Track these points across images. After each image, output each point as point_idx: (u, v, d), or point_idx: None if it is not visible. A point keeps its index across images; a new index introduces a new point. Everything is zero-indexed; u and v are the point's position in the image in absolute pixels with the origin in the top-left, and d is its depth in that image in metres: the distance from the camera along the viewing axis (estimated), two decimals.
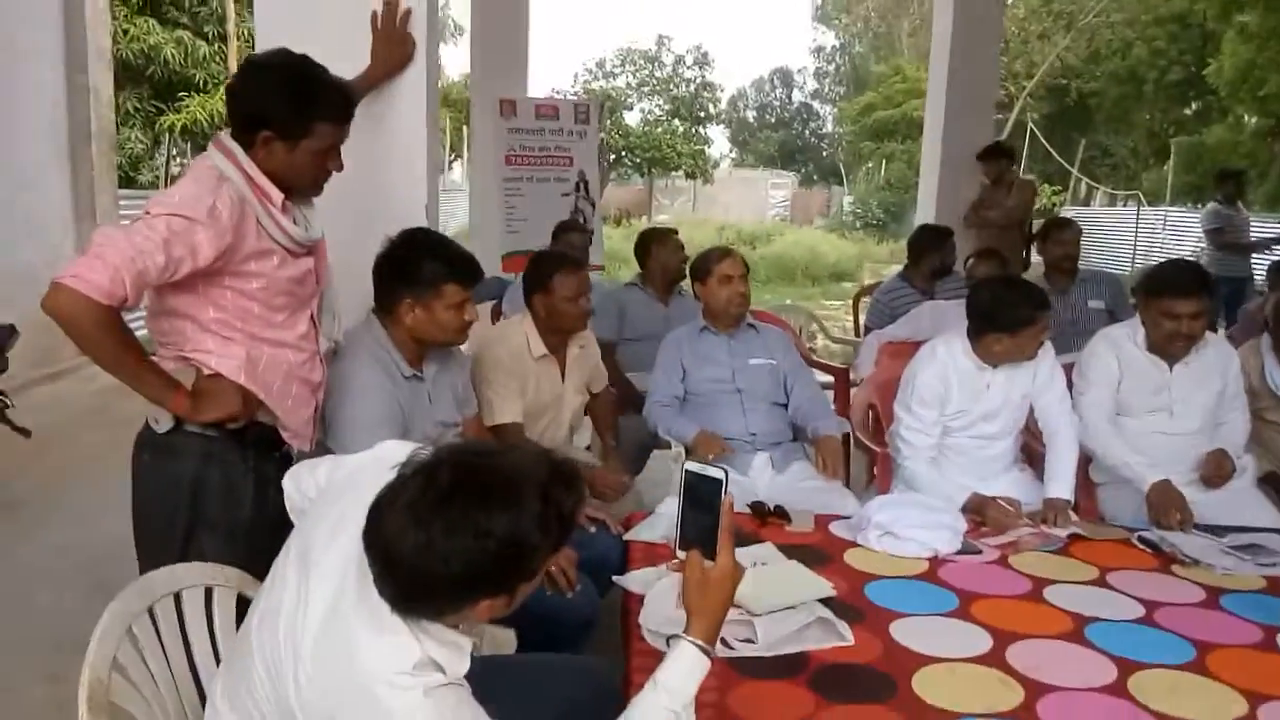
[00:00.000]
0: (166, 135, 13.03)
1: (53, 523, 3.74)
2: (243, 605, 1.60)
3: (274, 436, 2.06)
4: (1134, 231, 14.89)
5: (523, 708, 1.39)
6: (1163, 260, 2.97)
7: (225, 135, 1.94)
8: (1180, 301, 2.77)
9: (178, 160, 14.02)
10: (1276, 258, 6.24)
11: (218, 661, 1.57)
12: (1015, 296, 2.68)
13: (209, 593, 1.64)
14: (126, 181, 12.42)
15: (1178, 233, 14.31)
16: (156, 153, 13.67)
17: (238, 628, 1.53)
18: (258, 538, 1.90)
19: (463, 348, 2.60)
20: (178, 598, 1.58)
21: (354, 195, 2.30)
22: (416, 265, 2.24)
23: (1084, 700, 1.70)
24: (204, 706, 1.48)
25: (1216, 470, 2.82)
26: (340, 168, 2.03)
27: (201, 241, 1.78)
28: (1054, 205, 18.99)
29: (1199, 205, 15.60)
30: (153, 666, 1.49)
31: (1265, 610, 2.08)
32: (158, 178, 13.47)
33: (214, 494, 1.96)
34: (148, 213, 1.78)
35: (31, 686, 2.66)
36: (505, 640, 2.09)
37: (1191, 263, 3.05)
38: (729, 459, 2.93)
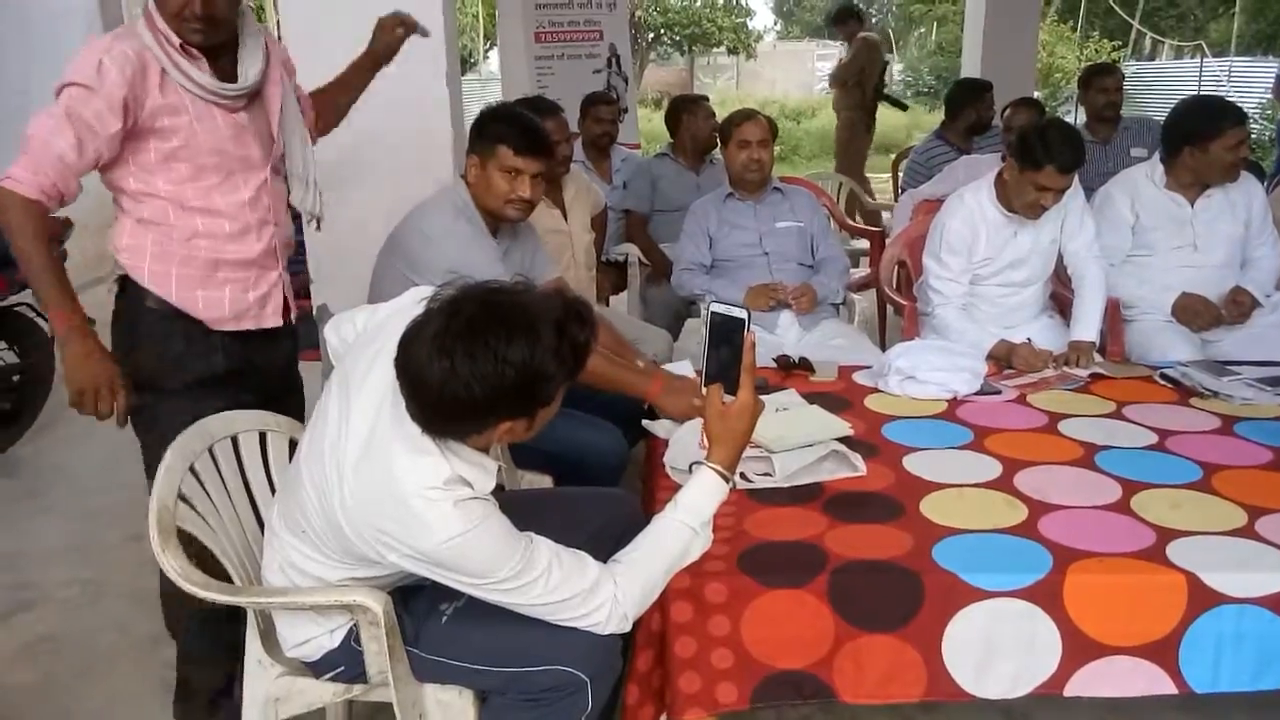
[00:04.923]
0: None
1: None
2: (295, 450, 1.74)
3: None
4: (1196, 85, 14.17)
5: (557, 528, 1.52)
6: (1189, 108, 2.93)
7: None
8: (1234, 131, 2.81)
9: None
10: None
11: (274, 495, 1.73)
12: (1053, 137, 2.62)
13: (264, 438, 1.79)
14: None
15: (1244, 84, 13.57)
16: None
17: None
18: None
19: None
20: (235, 441, 1.74)
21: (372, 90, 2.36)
22: (486, 123, 2.28)
23: (1085, 516, 1.78)
24: (263, 533, 1.65)
25: (1232, 305, 2.86)
26: None
27: (100, 108, 1.71)
28: (1116, 62, 18.13)
29: (1269, 54, 14.76)
30: (215, 499, 1.66)
31: (1278, 435, 2.12)
32: None
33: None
34: (56, 93, 1.74)
35: (120, 546, 2.96)
36: (541, 484, 2.25)
37: (1221, 99, 3.02)
38: (761, 315, 3.02)
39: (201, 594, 1.50)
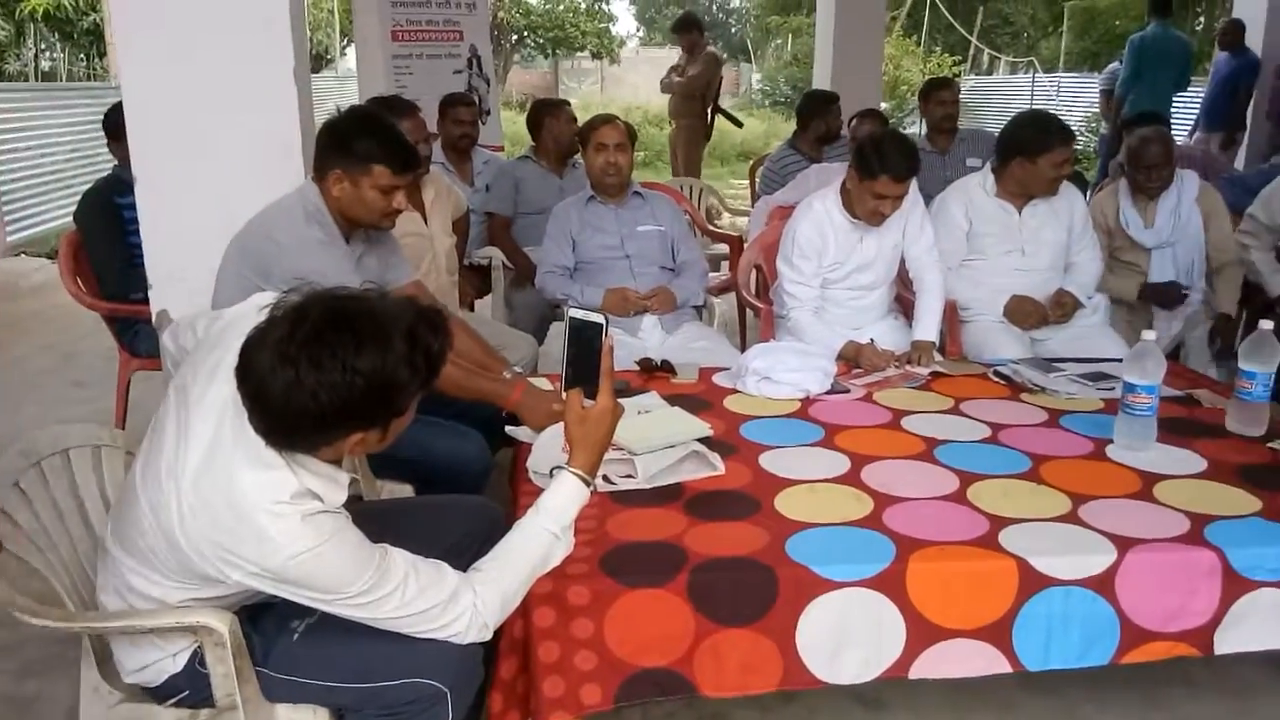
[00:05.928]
0: (30, 23, 12.15)
1: None
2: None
3: None
4: (1029, 99, 15.14)
5: (416, 538, 1.49)
6: (1023, 122, 3.12)
7: None
8: (1061, 150, 2.98)
9: (46, 54, 13.14)
10: None
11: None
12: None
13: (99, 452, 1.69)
14: None
15: (1071, 98, 14.59)
16: (22, 42, 12.77)
17: None
18: None
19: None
20: (67, 456, 1.63)
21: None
22: (352, 138, 2.19)
23: (926, 507, 1.88)
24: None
25: (1056, 306, 3.08)
26: None
27: None
28: (956, 76, 19.12)
29: (1094, 71, 15.88)
30: (45, 518, 1.55)
31: (1098, 426, 2.29)
32: (26, 69, 12.63)
33: None
34: None
35: None
36: (401, 493, 2.21)
37: (1051, 115, 3.24)
38: (623, 319, 3.06)
39: (32, 621, 1.41)
